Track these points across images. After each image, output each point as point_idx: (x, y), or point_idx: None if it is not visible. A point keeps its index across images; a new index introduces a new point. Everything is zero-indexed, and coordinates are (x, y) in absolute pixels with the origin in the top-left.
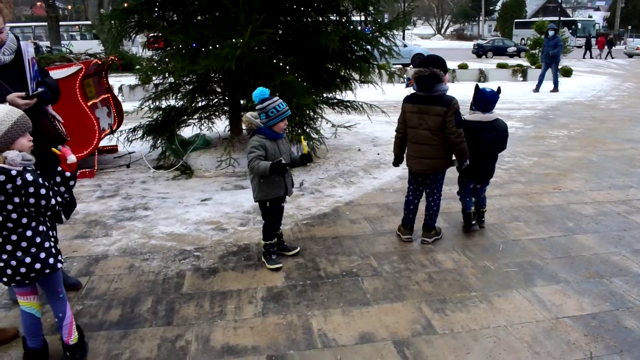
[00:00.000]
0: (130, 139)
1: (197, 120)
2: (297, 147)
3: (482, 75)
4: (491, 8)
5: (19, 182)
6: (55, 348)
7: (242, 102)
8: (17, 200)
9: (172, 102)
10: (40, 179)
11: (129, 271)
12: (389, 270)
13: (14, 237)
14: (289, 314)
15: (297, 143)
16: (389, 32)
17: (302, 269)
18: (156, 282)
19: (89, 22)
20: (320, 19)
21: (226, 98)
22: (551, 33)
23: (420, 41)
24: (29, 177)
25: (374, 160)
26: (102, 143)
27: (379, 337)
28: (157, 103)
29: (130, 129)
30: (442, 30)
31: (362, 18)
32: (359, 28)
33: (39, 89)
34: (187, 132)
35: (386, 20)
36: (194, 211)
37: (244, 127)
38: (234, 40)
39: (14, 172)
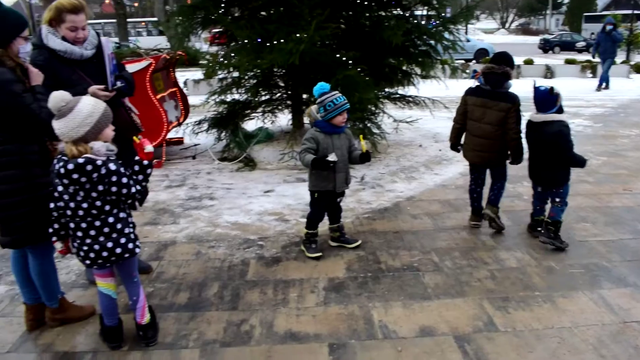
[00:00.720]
0: (196, 131)
1: (260, 113)
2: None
3: (549, 72)
4: (559, 1)
5: (103, 171)
6: (129, 326)
7: (304, 96)
8: (101, 188)
9: (236, 96)
10: (122, 169)
11: (196, 257)
12: (451, 266)
13: (97, 223)
14: (350, 305)
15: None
16: (452, 27)
17: (363, 261)
18: (222, 269)
19: (155, 19)
20: (383, 13)
21: (289, 92)
22: (609, 28)
23: (484, 36)
24: (112, 166)
25: (435, 156)
26: (169, 135)
27: (440, 332)
28: (223, 97)
29: (196, 121)
30: (507, 25)
31: (425, 12)
32: (422, 22)
33: (118, 83)
34: (250, 125)
35: (448, 15)
36: (257, 202)
37: (306, 120)
38: (297, 35)
39: (99, 162)
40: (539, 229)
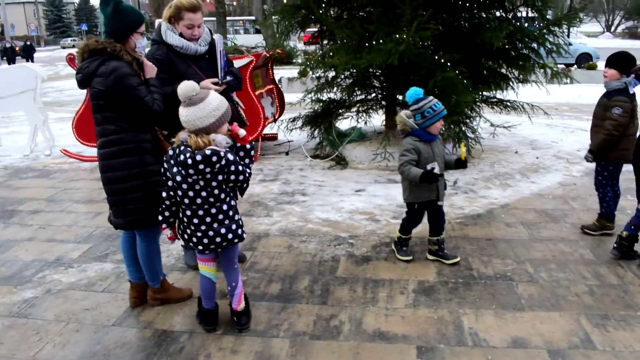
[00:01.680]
0: (290, 128)
1: (354, 113)
2: (455, 149)
3: None
4: None
5: (223, 162)
6: (223, 310)
7: (399, 97)
8: (220, 178)
9: (331, 95)
10: (237, 158)
11: (288, 250)
12: (546, 278)
13: (213, 210)
14: (439, 309)
15: (455, 145)
16: (557, 29)
17: (455, 267)
18: (313, 263)
19: (252, 18)
20: (484, 14)
21: (384, 93)
22: None
23: (586, 39)
24: (231, 157)
25: (532, 163)
26: (265, 131)
27: (533, 344)
28: (318, 95)
29: (291, 119)
30: (612, 28)
31: (527, 14)
32: (525, 24)
33: (228, 78)
34: (343, 124)
35: (550, 17)
36: (349, 200)
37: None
38: (397, 35)
39: (222, 153)
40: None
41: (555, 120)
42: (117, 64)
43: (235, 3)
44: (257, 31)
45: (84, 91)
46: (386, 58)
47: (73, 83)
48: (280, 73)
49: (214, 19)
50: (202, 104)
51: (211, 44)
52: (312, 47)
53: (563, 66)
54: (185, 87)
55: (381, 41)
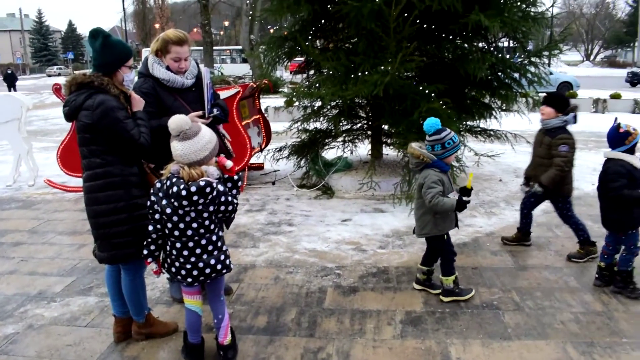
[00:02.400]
0: (277, 157)
1: (340, 143)
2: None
3: (638, 106)
4: None
5: (215, 192)
6: (208, 345)
7: (385, 127)
8: (212, 208)
9: (317, 124)
10: (226, 189)
11: (275, 282)
12: (532, 306)
13: (203, 242)
14: (427, 339)
15: None
16: (538, 60)
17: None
18: (300, 295)
19: (239, 47)
20: (467, 46)
21: (370, 123)
22: None
23: (567, 68)
24: (221, 188)
25: (516, 191)
26: (251, 160)
27: None
28: (305, 125)
29: (277, 148)
30: (592, 57)
31: (509, 45)
32: (507, 55)
33: (214, 110)
34: (330, 154)
35: (530, 48)
36: (335, 230)
37: (387, 152)
38: (382, 67)
39: (215, 184)
40: (596, 276)
41: None
42: (104, 97)
43: (222, 32)
44: (244, 60)
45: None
46: (372, 89)
47: (58, 111)
48: (267, 102)
49: (201, 48)
50: (196, 138)
51: (198, 76)
52: (299, 76)
53: (544, 94)
54: (179, 121)
55: (367, 73)
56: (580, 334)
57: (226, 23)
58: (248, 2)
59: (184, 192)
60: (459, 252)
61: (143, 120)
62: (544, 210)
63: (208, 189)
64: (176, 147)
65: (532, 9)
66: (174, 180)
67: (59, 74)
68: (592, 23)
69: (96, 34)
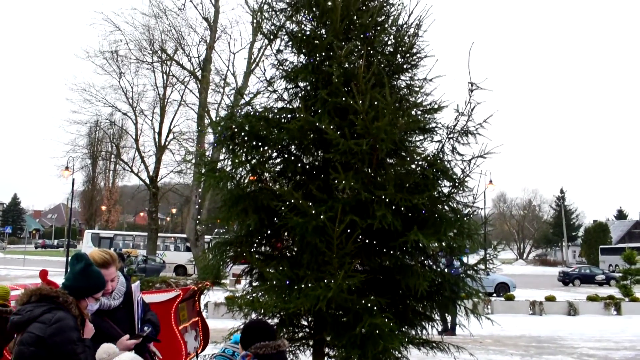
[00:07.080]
0: None
1: None
2: None
3: (572, 309)
4: (574, 234)
5: None
6: None
7: (327, 338)
8: None
9: None
10: None
11: None
12: None
13: None
14: None
15: None
16: (475, 273)
17: None
18: None
19: (184, 235)
20: (407, 258)
21: (312, 332)
22: None
23: (502, 266)
24: None
25: None
26: None
27: None
28: None
29: (213, 354)
30: (524, 255)
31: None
32: (446, 270)
33: (145, 328)
34: None
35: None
36: None
37: None
38: (325, 281)
39: None
40: None
41: (480, 356)
42: (65, 314)
43: (169, 219)
44: (188, 249)
45: None
46: (315, 303)
47: None
48: (208, 296)
49: (146, 234)
50: None
51: (128, 292)
52: (241, 285)
53: (482, 296)
54: (99, 351)
55: (310, 285)
56: None
57: (174, 210)
58: (196, 196)
59: None
60: None
61: (90, 349)
62: None
63: None
64: None
65: (466, 226)
66: None
67: None
68: (522, 224)
69: (80, 258)
